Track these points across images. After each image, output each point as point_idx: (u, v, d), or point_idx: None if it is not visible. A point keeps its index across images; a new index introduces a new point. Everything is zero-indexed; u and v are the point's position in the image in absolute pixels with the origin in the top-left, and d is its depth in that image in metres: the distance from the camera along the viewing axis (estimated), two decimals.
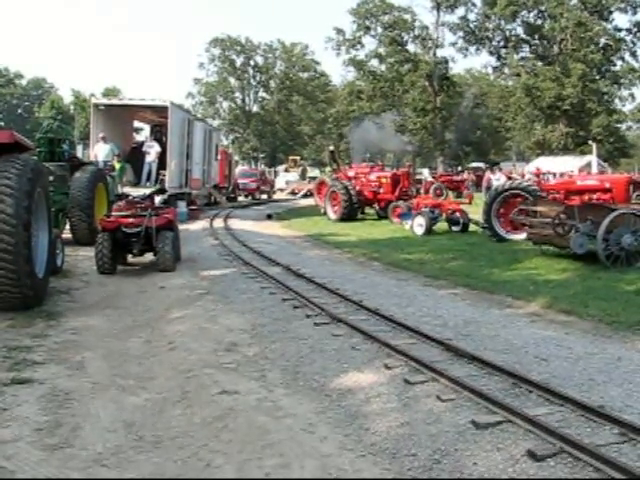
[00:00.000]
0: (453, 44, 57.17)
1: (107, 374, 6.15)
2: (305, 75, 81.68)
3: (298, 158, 63.40)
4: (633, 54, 51.40)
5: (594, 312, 8.34)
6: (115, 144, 21.12)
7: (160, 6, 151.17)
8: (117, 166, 20.14)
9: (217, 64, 77.15)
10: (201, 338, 7.41)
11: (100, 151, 20.46)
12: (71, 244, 14.44)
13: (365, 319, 7.95)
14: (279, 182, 51.48)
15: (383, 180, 24.42)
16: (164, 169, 22.04)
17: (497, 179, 29.06)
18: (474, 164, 63.14)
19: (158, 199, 14.89)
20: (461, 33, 56.21)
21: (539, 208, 13.45)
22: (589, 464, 4.03)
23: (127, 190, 18.53)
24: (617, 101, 53.77)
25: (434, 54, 57.84)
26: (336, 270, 12.34)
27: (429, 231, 18.10)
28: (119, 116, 23.68)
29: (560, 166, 37.62)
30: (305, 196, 42.42)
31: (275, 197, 44.40)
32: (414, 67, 56.42)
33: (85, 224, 14.94)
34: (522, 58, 54.40)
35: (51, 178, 12.93)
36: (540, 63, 52.47)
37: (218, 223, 22.06)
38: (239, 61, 78.19)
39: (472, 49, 56.55)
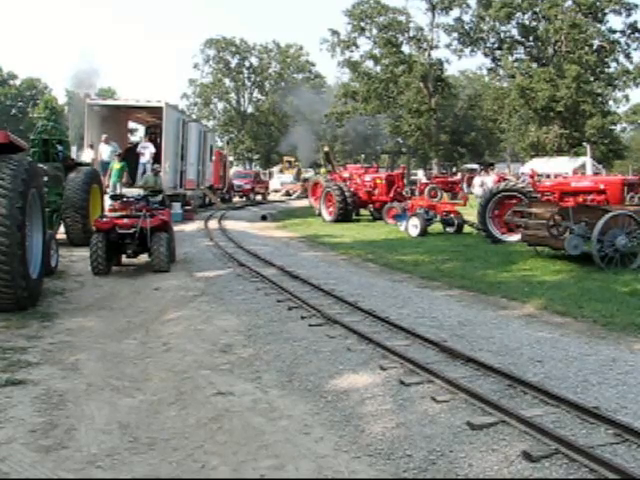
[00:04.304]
0: (448, 45, 57.26)
1: (102, 375, 6.14)
2: (300, 76, 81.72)
3: (293, 159, 63.39)
4: (627, 56, 51.55)
5: (589, 313, 8.36)
6: (118, 145, 21.40)
7: (158, 6, 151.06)
8: (117, 166, 20.24)
9: (212, 65, 77.18)
10: (196, 339, 7.40)
11: (104, 152, 20.74)
12: (65, 245, 14.41)
13: (360, 320, 7.95)
14: (274, 183, 51.39)
15: (378, 181, 24.45)
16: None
17: (480, 185, 28.90)
18: (468, 165, 63.34)
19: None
20: (456, 34, 56.24)
21: (534, 210, 13.48)
22: (584, 465, 4.04)
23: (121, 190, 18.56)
24: (611, 103, 54.03)
25: (429, 55, 57.92)
26: (331, 271, 12.34)
27: (424, 232, 18.12)
28: (114, 117, 23.64)
29: (554, 168, 37.72)
30: (298, 197, 42.42)
31: (270, 198, 44.37)
32: (409, 68, 56.41)
33: (79, 225, 14.91)
34: (517, 60, 54.46)
35: (45, 179, 12.90)
36: (535, 65, 52.57)
37: (213, 224, 22.03)
38: (234, 62, 78.20)
39: (467, 51, 56.56)
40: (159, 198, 14.01)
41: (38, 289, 9.07)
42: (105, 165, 20.77)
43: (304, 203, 33.73)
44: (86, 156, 21.00)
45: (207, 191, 31.37)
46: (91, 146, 21.17)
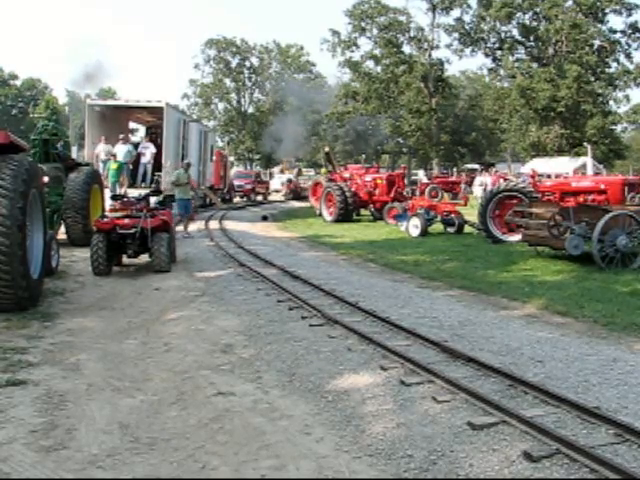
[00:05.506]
0: (448, 46, 57.14)
1: (102, 375, 6.13)
2: (300, 76, 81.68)
3: (293, 159, 63.37)
4: (628, 56, 51.41)
5: (589, 313, 8.36)
6: (132, 145, 21.58)
7: (158, 6, 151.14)
8: (114, 166, 20.21)
9: (212, 65, 77.07)
10: (197, 339, 7.40)
11: (119, 152, 20.78)
12: (66, 245, 14.41)
13: (361, 320, 7.95)
14: (274, 183, 51.40)
15: (378, 181, 24.46)
16: (159, 170, 22.02)
17: (480, 184, 28.81)
18: (469, 165, 63.29)
19: (153, 200, 14.84)
20: (456, 35, 56.12)
21: (534, 210, 13.49)
22: (585, 465, 4.04)
23: (122, 190, 18.56)
24: (612, 103, 53.87)
25: (429, 55, 57.84)
26: (332, 271, 12.33)
27: (424, 232, 18.12)
28: (114, 117, 23.64)
29: (555, 168, 37.66)
30: (287, 199, 42.35)
31: (271, 198, 44.36)
32: (409, 69, 56.32)
33: (80, 225, 14.91)
34: (517, 60, 54.34)
35: (46, 179, 12.90)
36: (535, 65, 52.48)
37: (213, 224, 22.04)
38: (234, 62, 78.12)
39: (467, 51, 56.37)
40: (160, 198, 14.02)
41: (39, 289, 9.07)
42: (122, 164, 20.81)
43: (304, 203, 33.70)
44: (101, 150, 20.99)
45: (208, 191, 31.35)
46: (106, 139, 21.16)
